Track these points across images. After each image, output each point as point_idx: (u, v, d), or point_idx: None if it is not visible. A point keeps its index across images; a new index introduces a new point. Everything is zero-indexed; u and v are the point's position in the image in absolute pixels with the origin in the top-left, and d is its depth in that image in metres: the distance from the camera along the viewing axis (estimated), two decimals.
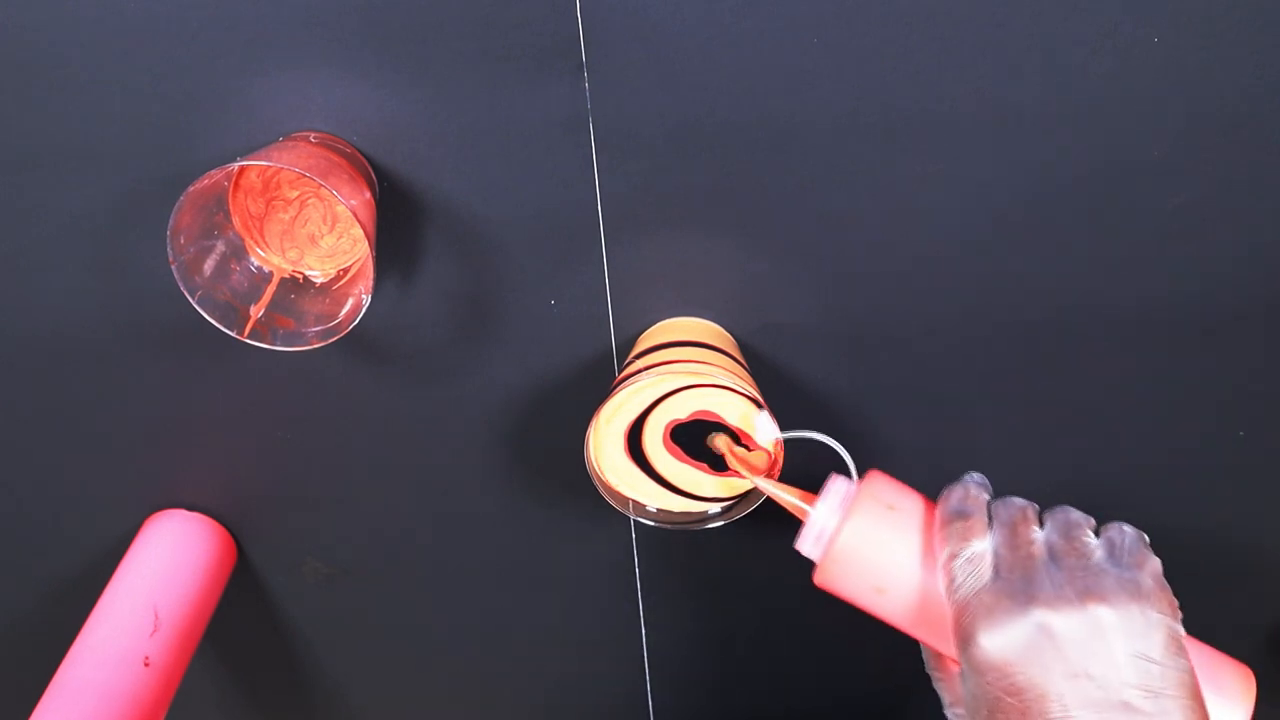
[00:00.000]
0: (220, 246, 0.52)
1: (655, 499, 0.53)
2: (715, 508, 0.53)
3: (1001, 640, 0.39)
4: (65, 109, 0.51)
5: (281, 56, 0.49)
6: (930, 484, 0.65)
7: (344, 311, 0.51)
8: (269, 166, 0.52)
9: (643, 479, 0.52)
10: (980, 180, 0.52)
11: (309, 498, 0.67)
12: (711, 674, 0.78)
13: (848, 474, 0.47)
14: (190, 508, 0.67)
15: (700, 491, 0.53)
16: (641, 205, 0.54)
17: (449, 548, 0.70)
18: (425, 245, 0.55)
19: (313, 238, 0.54)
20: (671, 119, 0.51)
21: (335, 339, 0.51)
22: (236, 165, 0.46)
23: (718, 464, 0.52)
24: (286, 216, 0.53)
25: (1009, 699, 0.39)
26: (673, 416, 0.51)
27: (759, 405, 0.49)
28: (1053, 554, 0.41)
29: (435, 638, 0.77)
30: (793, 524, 0.46)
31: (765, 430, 0.50)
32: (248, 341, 0.51)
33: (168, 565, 0.64)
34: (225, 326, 0.51)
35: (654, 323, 0.58)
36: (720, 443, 0.50)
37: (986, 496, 0.45)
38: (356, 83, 0.50)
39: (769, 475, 0.51)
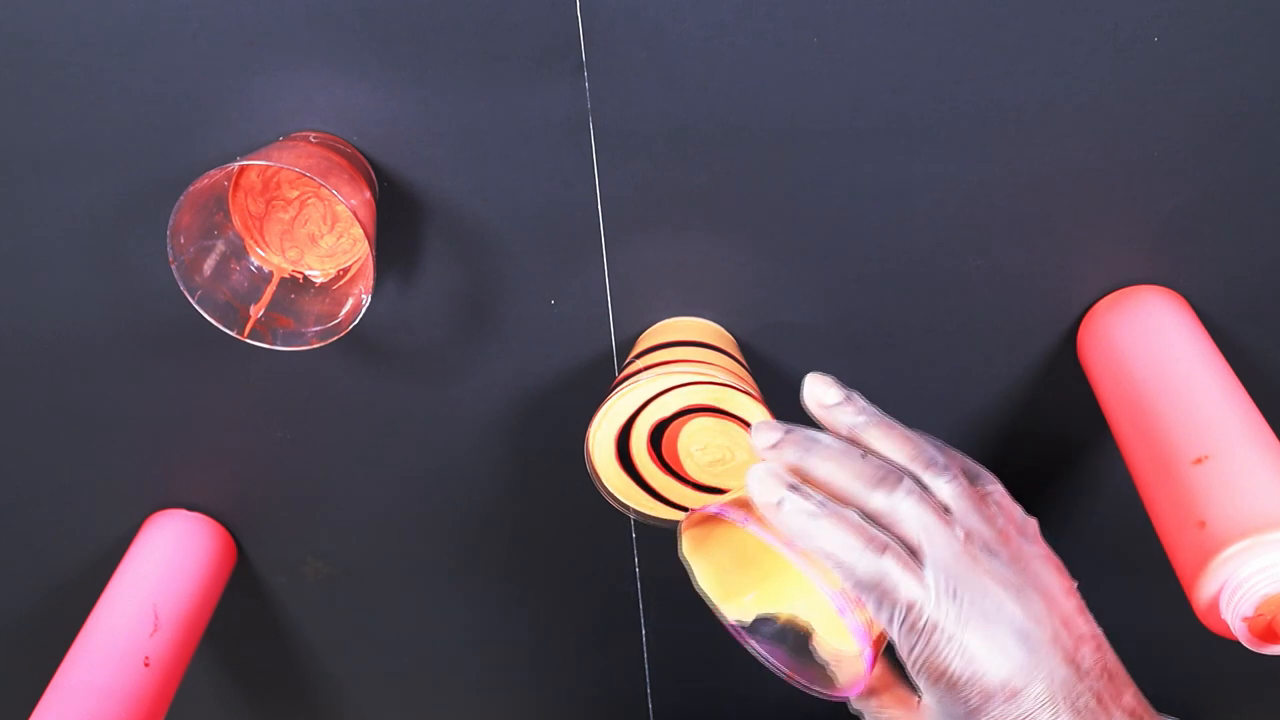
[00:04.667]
0: (220, 246, 0.52)
1: (644, 505, 0.53)
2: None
3: None
4: (65, 109, 0.50)
5: (281, 56, 0.49)
6: None
7: (344, 311, 0.51)
8: (269, 166, 0.52)
9: (631, 485, 0.52)
10: (980, 180, 0.52)
11: (309, 498, 0.67)
12: (711, 674, 0.78)
13: None
14: (190, 508, 0.67)
15: (684, 502, 0.52)
16: (641, 205, 0.54)
17: (448, 548, 0.70)
18: (425, 245, 0.55)
19: (313, 237, 0.54)
20: (672, 119, 0.51)
21: (335, 339, 0.51)
22: (236, 165, 0.46)
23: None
24: (286, 216, 0.53)
25: None
26: (659, 416, 0.50)
27: (761, 404, 0.49)
28: None
29: (435, 637, 0.77)
30: None
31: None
32: (248, 341, 0.51)
33: (168, 565, 0.64)
34: (225, 326, 0.51)
35: (654, 323, 0.58)
36: None
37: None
38: (356, 83, 0.50)
39: None
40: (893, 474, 0.38)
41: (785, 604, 0.45)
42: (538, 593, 0.73)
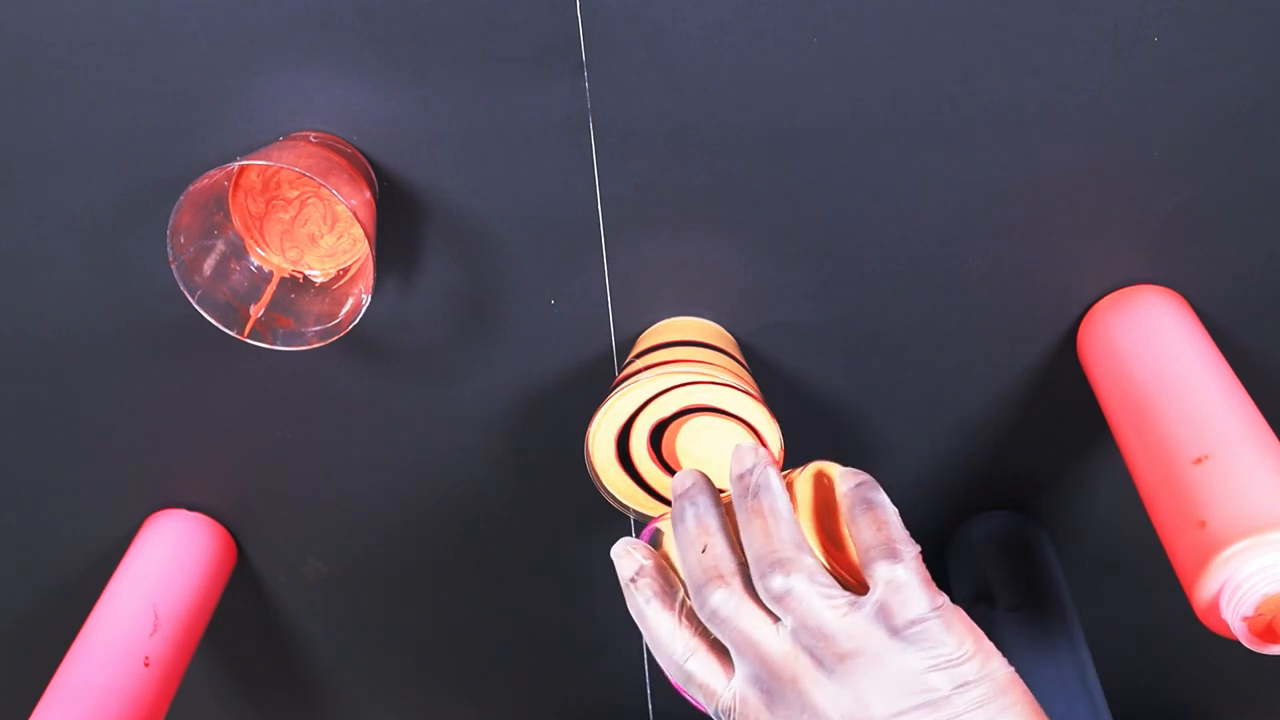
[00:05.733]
0: (220, 246, 0.52)
1: (644, 505, 0.53)
2: None
3: None
4: (65, 109, 0.50)
5: (281, 56, 0.49)
6: (928, 485, 0.65)
7: (344, 311, 0.51)
8: (269, 166, 0.52)
9: (631, 485, 0.52)
10: (980, 180, 0.52)
11: (309, 498, 0.67)
12: None
13: None
14: (190, 508, 0.67)
15: None
16: (641, 205, 0.54)
17: (449, 547, 0.70)
18: (425, 245, 0.55)
19: (313, 237, 0.54)
20: (672, 119, 0.51)
21: (335, 339, 0.51)
22: (236, 165, 0.46)
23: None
24: (286, 216, 0.53)
25: None
26: (659, 416, 0.50)
27: (761, 403, 0.49)
28: None
29: (435, 638, 0.77)
30: None
31: None
32: (248, 341, 0.51)
33: (168, 565, 0.64)
34: (225, 326, 0.51)
35: (654, 323, 0.58)
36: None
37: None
38: (356, 83, 0.50)
39: None
40: (713, 580, 0.37)
41: None
42: (538, 593, 0.73)
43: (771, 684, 0.35)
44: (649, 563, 0.40)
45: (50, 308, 0.58)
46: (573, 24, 0.48)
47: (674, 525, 0.40)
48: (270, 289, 0.53)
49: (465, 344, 0.59)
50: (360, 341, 0.59)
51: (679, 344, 0.54)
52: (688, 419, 0.50)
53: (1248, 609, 0.41)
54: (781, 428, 0.50)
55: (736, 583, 0.37)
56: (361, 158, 0.52)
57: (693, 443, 0.51)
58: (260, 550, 0.70)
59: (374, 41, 0.49)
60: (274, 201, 0.53)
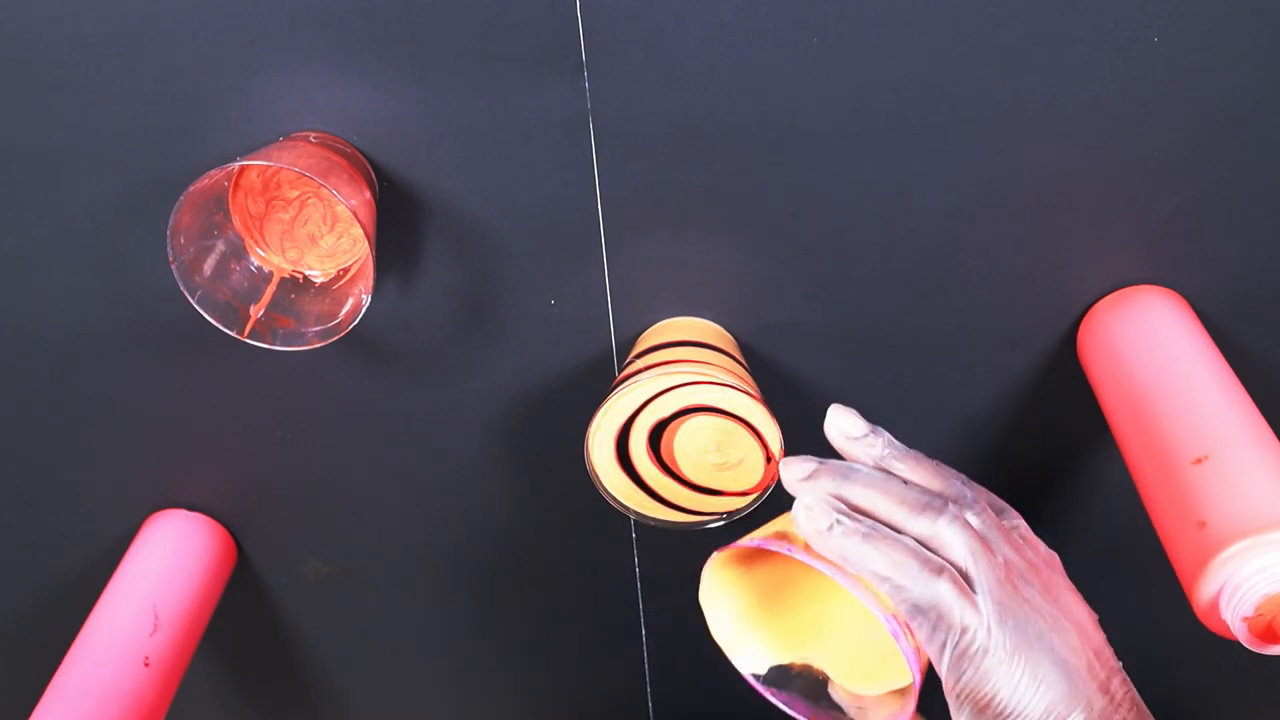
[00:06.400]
0: (220, 246, 0.52)
1: (643, 505, 0.53)
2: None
3: None
4: (65, 109, 0.50)
5: (281, 56, 0.49)
6: None
7: (344, 311, 0.51)
8: (269, 166, 0.52)
9: (630, 485, 0.52)
10: (980, 180, 0.52)
11: (309, 498, 0.67)
12: (711, 674, 0.78)
13: None
14: (190, 508, 0.67)
15: (682, 502, 0.52)
16: (641, 205, 0.54)
17: (449, 548, 0.70)
18: (425, 245, 0.55)
19: (313, 238, 0.54)
20: (672, 119, 0.51)
21: (335, 339, 0.51)
22: (236, 165, 0.46)
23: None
24: (286, 216, 0.53)
25: None
26: (659, 416, 0.50)
27: (760, 403, 0.49)
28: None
29: (435, 637, 0.77)
30: None
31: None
32: (248, 341, 0.51)
33: (168, 565, 0.64)
34: (225, 326, 0.51)
35: (654, 323, 0.58)
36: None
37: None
38: (356, 83, 0.50)
39: (760, 490, 0.51)
40: (937, 500, 0.38)
41: (802, 650, 0.45)
42: (538, 593, 0.73)
43: (1002, 598, 0.37)
44: (842, 506, 0.39)
45: (50, 308, 0.58)
46: (573, 24, 0.48)
47: (852, 473, 0.39)
48: (270, 289, 0.53)
49: (465, 344, 0.59)
50: (360, 341, 0.59)
51: (679, 344, 0.54)
52: (687, 419, 0.50)
53: (1248, 609, 0.41)
54: (781, 428, 0.50)
55: (953, 506, 0.38)
56: (361, 158, 0.52)
57: (692, 443, 0.51)
58: (260, 550, 0.70)
59: (374, 41, 0.49)
60: (274, 201, 0.53)
